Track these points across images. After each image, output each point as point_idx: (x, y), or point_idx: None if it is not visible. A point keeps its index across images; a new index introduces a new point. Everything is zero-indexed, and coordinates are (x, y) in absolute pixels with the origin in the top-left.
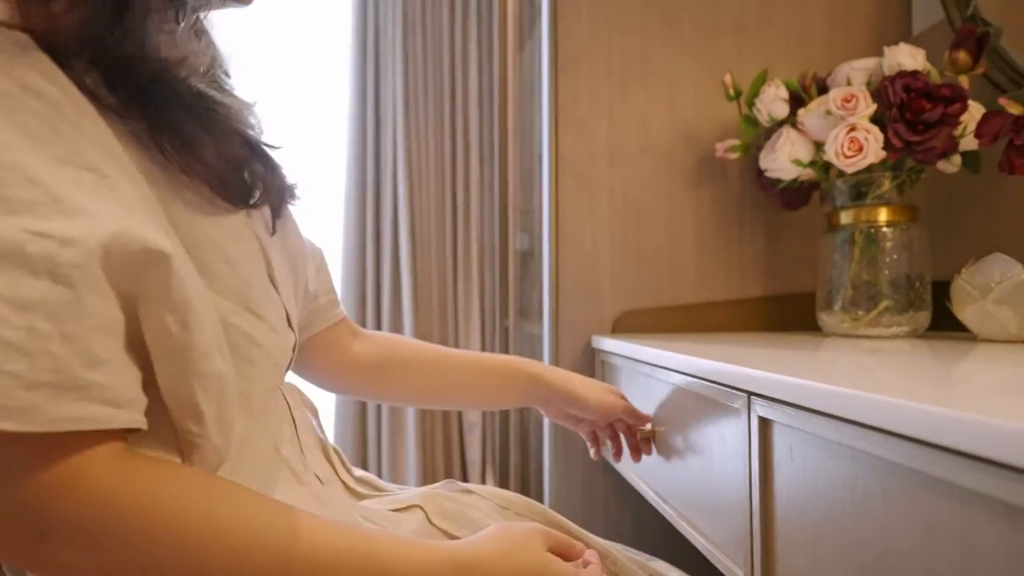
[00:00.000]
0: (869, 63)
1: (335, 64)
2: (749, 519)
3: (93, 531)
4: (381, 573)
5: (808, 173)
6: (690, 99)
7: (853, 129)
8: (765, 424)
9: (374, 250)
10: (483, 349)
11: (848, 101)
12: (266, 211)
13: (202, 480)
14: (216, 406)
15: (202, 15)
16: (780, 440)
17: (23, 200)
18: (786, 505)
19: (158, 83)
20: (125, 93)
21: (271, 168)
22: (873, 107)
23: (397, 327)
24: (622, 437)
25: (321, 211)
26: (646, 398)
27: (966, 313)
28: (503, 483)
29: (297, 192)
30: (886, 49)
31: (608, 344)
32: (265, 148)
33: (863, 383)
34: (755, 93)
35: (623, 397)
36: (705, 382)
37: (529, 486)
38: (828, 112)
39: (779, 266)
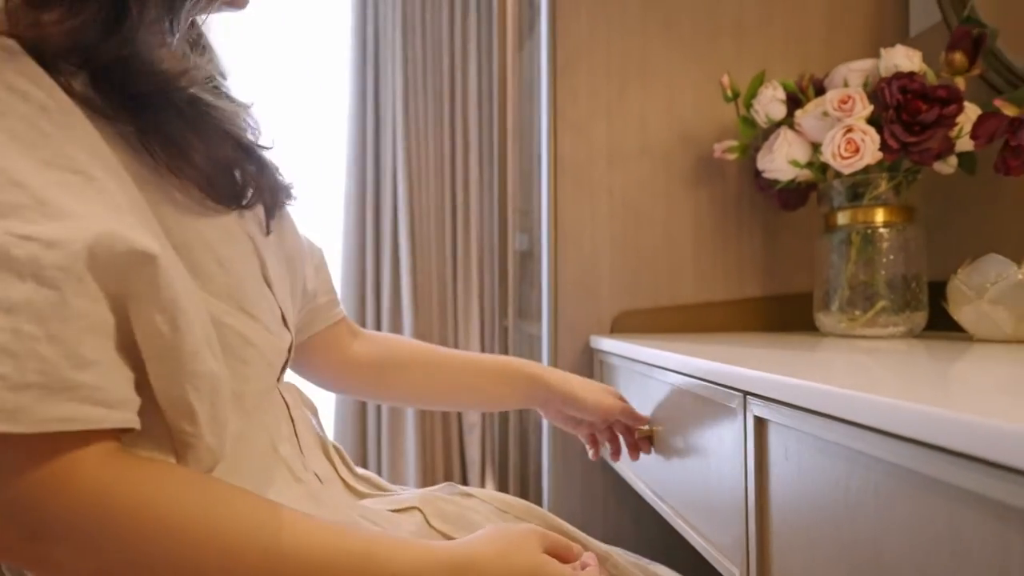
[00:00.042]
0: (866, 64)
1: (335, 64)
2: (745, 519)
3: (85, 530)
4: (375, 572)
5: (805, 174)
6: (688, 100)
7: (850, 130)
8: (761, 424)
9: (374, 250)
10: (482, 349)
11: (845, 102)
12: (260, 211)
13: (196, 480)
14: (209, 405)
15: (199, 20)
16: (775, 440)
17: (8, 203)
18: (781, 505)
19: (150, 89)
20: (114, 96)
21: (263, 169)
22: (870, 108)
23: (397, 327)
24: (620, 438)
25: (321, 211)
26: (644, 398)
27: (962, 313)
28: (502, 483)
29: (293, 192)
30: (883, 51)
31: (606, 344)
32: (258, 149)
33: (858, 383)
34: (752, 94)
35: (621, 398)
36: (701, 382)
37: (528, 486)
38: (825, 113)
39: (777, 266)
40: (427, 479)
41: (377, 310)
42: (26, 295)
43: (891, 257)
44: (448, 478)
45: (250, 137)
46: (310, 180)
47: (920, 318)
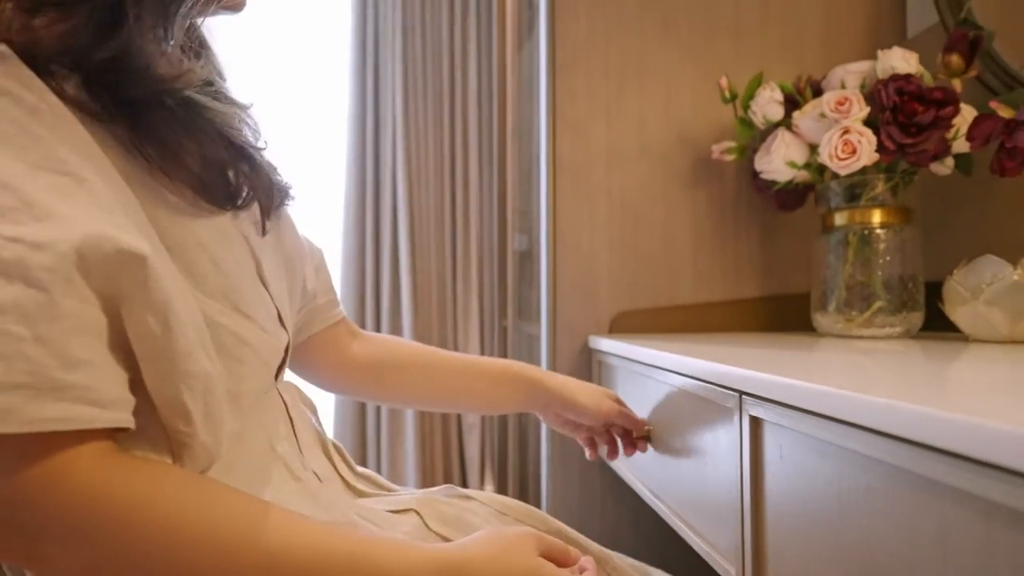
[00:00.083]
0: (863, 66)
1: (335, 65)
2: (741, 519)
3: (78, 529)
4: (365, 573)
5: (803, 175)
6: (687, 101)
7: (846, 132)
8: (756, 423)
9: (373, 250)
10: (482, 349)
11: (842, 104)
12: (256, 212)
13: (189, 480)
14: (203, 405)
15: (197, 22)
16: (771, 439)
17: None
18: (776, 504)
19: (143, 91)
20: (107, 99)
21: (258, 170)
22: (866, 110)
23: (396, 327)
24: (618, 439)
25: (321, 211)
26: (642, 398)
27: (958, 314)
28: (501, 483)
29: (292, 193)
30: (880, 52)
31: (605, 344)
32: (252, 150)
33: (851, 383)
34: (750, 96)
35: (619, 401)
36: (698, 382)
37: (527, 486)
38: (822, 115)
39: (775, 267)
40: (426, 479)
41: (377, 310)
42: (13, 296)
43: (888, 258)
44: (447, 478)
45: (246, 138)
46: (310, 180)
47: (917, 319)
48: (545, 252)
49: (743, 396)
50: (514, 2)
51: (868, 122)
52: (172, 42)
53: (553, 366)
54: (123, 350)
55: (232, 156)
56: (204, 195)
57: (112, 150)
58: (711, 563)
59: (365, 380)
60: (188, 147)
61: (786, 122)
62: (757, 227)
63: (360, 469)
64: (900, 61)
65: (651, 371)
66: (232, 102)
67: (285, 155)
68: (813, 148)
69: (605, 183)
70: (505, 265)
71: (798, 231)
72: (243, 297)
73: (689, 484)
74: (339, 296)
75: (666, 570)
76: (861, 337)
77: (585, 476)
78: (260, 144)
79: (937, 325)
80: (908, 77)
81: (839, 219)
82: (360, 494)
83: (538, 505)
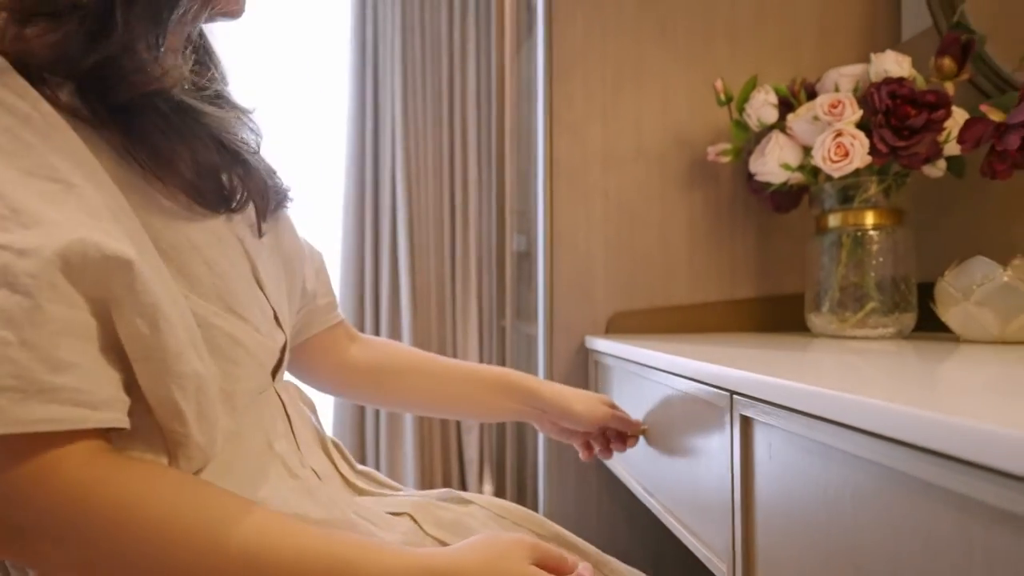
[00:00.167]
0: (856, 69)
1: (334, 66)
2: (732, 517)
3: (69, 526)
4: None
5: (797, 177)
6: (683, 103)
7: (839, 134)
8: (747, 423)
9: (373, 251)
10: (480, 349)
11: (835, 107)
12: (251, 214)
13: (176, 480)
14: (196, 405)
15: (192, 29)
16: (760, 438)
17: None
18: (766, 502)
19: (135, 97)
20: (100, 105)
21: (252, 173)
22: (859, 113)
23: (395, 327)
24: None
25: (320, 212)
26: (637, 397)
27: (949, 315)
28: (500, 483)
29: (290, 195)
30: (873, 56)
31: (601, 344)
32: (247, 154)
33: (840, 383)
34: (745, 98)
35: (613, 406)
36: (690, 381)
37: (525, 486)
38: (816, 118)
39: (770, 268)
40: (425, 479)
41: (376, 311)
42: None
43: (881, 259)
44: (446, 479)
45: (241, 142)
46: (309, 181)
47: (909, 319)
48: (542, 253)
49: (734, 396)
50: (513, 3)
51: (861, 125)
52: (163, 48)
53: (550, 366)
54: (116, 351)
55: (226, 160)
56: (197, 199)
57: (106, 156)
58: (703, 560)
59: (363, 384)
60: (181, 152)
61: (780, 124)
62: (752, 228)
63: (360, 467)
64: (893, 64)
65: (645, 371)
66: (234, 107)
67: (284, 156)
68: (807, 150)
69: (602, 184)
70: (504, 266)
71: (793, 232)
72: (237, 299)
73: (682, 483)
74: (338, 296)
75: (661, 569)
76: (854, 337)
77: (581, 476)
78: (259, 147)
79: (929, 326)
80: (901, 80)
81: (833, 221)
82: (360, 491)
83: (535, 505)
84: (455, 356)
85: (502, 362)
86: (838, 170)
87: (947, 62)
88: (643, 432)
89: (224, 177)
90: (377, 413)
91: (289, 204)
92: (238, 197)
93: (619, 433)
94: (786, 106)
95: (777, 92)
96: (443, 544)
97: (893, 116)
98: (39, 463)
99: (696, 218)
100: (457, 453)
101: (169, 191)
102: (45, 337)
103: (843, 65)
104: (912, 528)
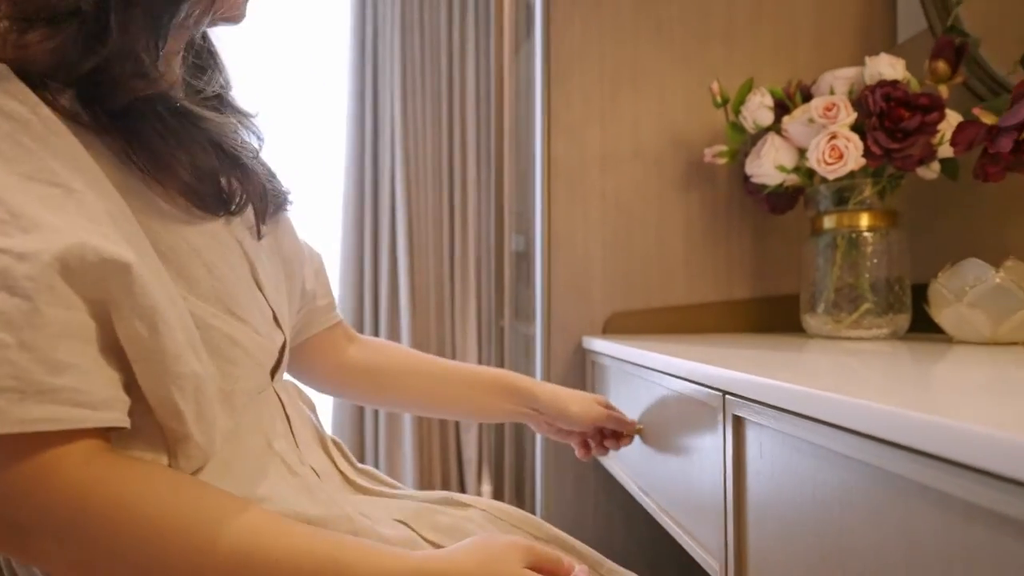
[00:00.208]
0: (851, 72)
1: (333, 65)
2: (724, 516)
3: (67, 524)
4: None
5: (793, 179)
6: (680, 105)
7: (834, 137)
8: (739, 422)
9: (372, 251)
10: (479, 349)
11: (829, 110)
12: (251, 217)
13: (173, 480)
14: (195, 405)
15: (195, 33)
16: (752, 438)
17: None
18: (758, 501)
19: (135, 102)
20: (99, 110)
21: (251, 176)
22: (853, 116)
23: (394, 327)
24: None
25: (319, 212)
26: (633, 397)
27: (942, 316)
28: (498, 483)
29: (290, 198)
30: (867, 59)
31: (597, 344)
32: (246, 157)
33: (828, 383)
34: (741, 101)
35: (609, 406)
36: (684, 382)
37: (524, 485)
38: (811, 120)
39: (766, 269)
40: (424, 479)
41: (375, 311)
42: None
43: (875, 260)
44: (445, 479)
45: (241, 146)
46: (308, 181)
47: (903, 320)
48: (539, 254)
49: (726, 396)
50: (512, 4)
51: (855, 127)
52: (163, 53)
53: (547, 366)
54: (115, 353)
55: (225, 164)
56: (196, 202)
57: (106, 160)
58: (696, 559)
59: (361, 384)
60: (179, 157)
61: (776, 127)
62: (749, 229)
63: (360, 465)
64: (887, 67)
65: (641, 371)
66: (236, 110)
67: (284, 156)
68: (802, 152)
69: (599, 186)
70: (502, 266)
71: (789, 234)
72: (236, 300)
73: (676, 482)
74: (337, 296)
75: (656, 568)
76: (849, 338)
77: (579, 477)
78: (260, 151)
79: (923, 327)
80: (895, 83)
81: (828, 222)
82: (360, 489)
83: (533, 505)
84: (454, 356)
85: (501, 362)
86: (832, 172)
87: (941, 65)
88: (638, 431)
89: (223, 181)
90: (376, 413)
91: (289, 207)
92: (237, 200)
93: (615, 432)
94: (782, 108)
95: (773, 94)
96: (438, 547)
97: (887, 119)
98: (39, 463)
99: (693, 219)
100: (456, 453)
101: (168, 195)
102: (43, 339)
103: (839, 67)
104: (896, 525)
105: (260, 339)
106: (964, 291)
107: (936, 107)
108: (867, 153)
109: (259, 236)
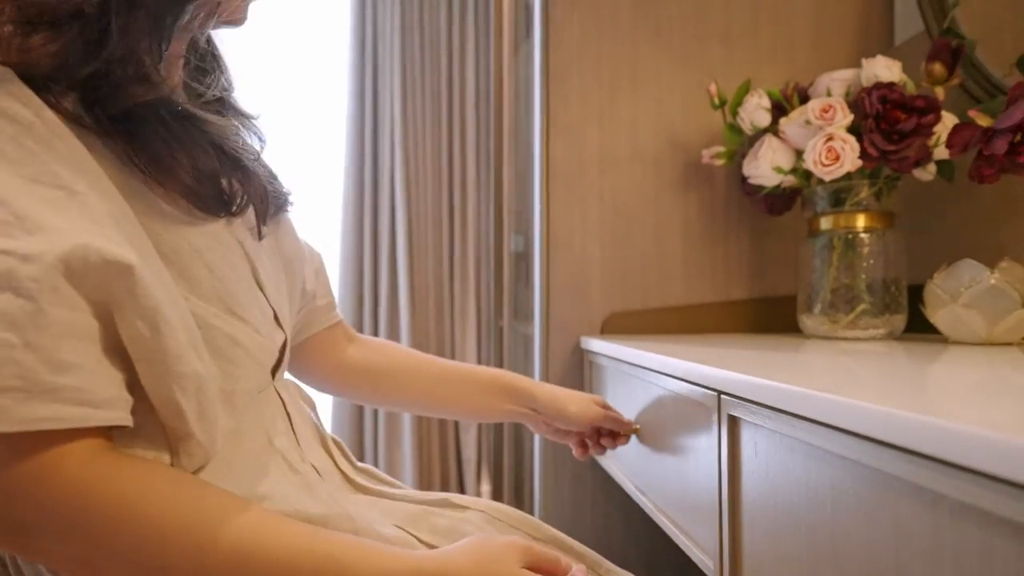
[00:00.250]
0: (848, 74)
1: (333, 66)
2: (719, 515)
3: (68, 522)
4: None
5: (790, 180)
6: (678, 106)
7: (830, 139)
8: (734, 422)
9: (371, 251)
10: (479, 349)
11: (826, 111)
12: (251, 218)
13: (174, 479)
14: (196, 404)
15: (200, 36)
16: (747, 437)
17: None
18: (752, 500)
19: (137, 105)
20: (102, 113)
21: (251, 178)
22: (850, 117)
23: (394, 328)
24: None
25: (319, 213)
26: (630, 397)
27: (938, 317)
28: (497, 483)
29: (291, 199)
30: (864, 61)
31: (595, 345)
32: (247, 159)
33: (821, 383)
34: (738, 102)
35: (606, 406)
36: (680, 381)
37: (523, 486)
38: (807, 122)
39: (764, 269)
40: (423, 479)
41: (375, 311)
42: (3, 306)
43: (871, 261)
44: (444, 478)
45: (242, 148)
46: (308, 181)
47: (899, 321)
48: (538, 255)
49: (721, 396)
50: (511, 4)
51: (852, 129)
52: (166, 55)
53: (546, 366)
54: (118, 352)
55: (226, 166)
56: (197, 204)
57: (108, 163)
58: (692, 557)
59: (360, 384)
60: (180, 159)
61: (773, 128)
62: (746, 230)
63: (360, 464)
64: (884, 69)
65: (637, 371)
66: (239, 113)
67: (284, 156)
68: (799, 154)
69: (597, 186)
70: (501, 266)
71: (786, 234)
72: (237, 300)
73: (672, 481)
74: (337, 296)
75: (654, 567)
76: (846, 339)
77: (577, 476)
78: (261, 153)
79: (919, 327)
80: (891, 85)
81: (824, 223)
82: (360, 488)
83: (531, 504)
84: (453, 356)
85: (500, 362)
86: (829, 174)
87: (937, 67)
88: (635, 431)
89: (224, 182)
90: (376, 413)
91: (289, 208)
92: (238, 201)
93: (612, 431)
94: (779, 110)
95: (770, 96)
96: (433, 548)
97: (883, 120)
98: (42, 461)
99: (691, 220)
100: (455, 453)
101: (170, 196)
102: (48, 339)
103: (837, 68)
104: (886, 522)
105: (261, 339)
106: (959, 292)
107: (932, 109)
108: (863, 155)
109: (260, 237)
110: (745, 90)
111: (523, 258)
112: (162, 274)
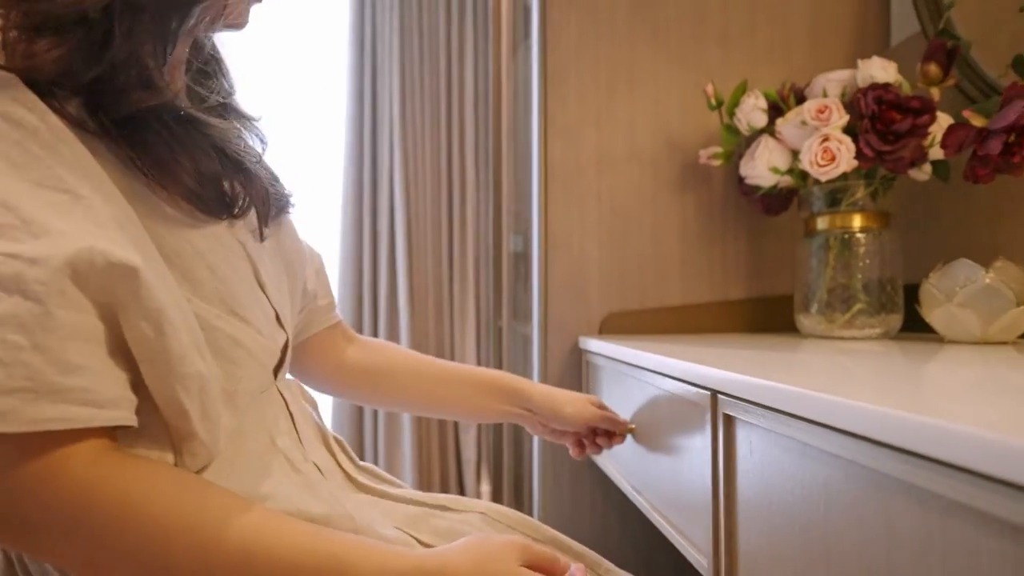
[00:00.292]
0: (844, 75)
1: (333, 66)
2: (715, 512)
3: (73, 521)
4: (341, 575)
5: (786, 180)
6: (675, 107)
7: (826, 139)
8: (729, 421)
9: (371, 251)
10: (478, 349)
11: (822, 112)
12: (253, 219)
13: (177, 478)
14: (199, 404)
15: (204, 40)
16: (742, 436)
17: None
18: (747, 499)
19: (140, 110)
20: (105, 118)
21: (253, 180)
22: (846, 118)
23: (394, 328)
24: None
25: (318, 213)
26: (626, 396)
27: (933, 316)
28: (496, 482)
29: (292, 201)
30: (860, 62)
31: (593, 345)
32: (248, 162)
33: (814, 382)
34: (735, 103)
35: (602, 406)
36: (675, 381)
37: (522, 486)
38: (803, 122)
39: (761, 269)
40: (423, 479)
41: (374, 311)
42: (11, 308)
43: (868, 261)
44: (444, 478)
45: (244, 151)
46: (308, 182)
47: (896, 320)
48: (536, 255)
49: (717, 395)
50: (509, 5)
51: (848, 129)
52: (170, 58)
53: (544, 366)
54: (123, 353)
55: (228, 169)
56: (199, 207)
57: (112, 167)
58: (685, 554)
59: (358, 385)
60: (183, 163)
61: (770, 129)
62: (744, 230)
63: (362, 463)
64: (879, 70)
65: (633, 371)
66: (241, 115)
67: (283, 157)
68: (795, 154)
69: (595, 187)
70: (500, 266)
71: (783, 234)
72: (239, 301)
73: (668, 481)
74: (337, 296)
75: (651, 567)
76: (842, 338)
77: (575, 476)
78: (263, 155)
79: (915, 326)
80: (886, 86)
81: (821, 223)
82: (361, 487)
83: (530, 504)
84: (452, 356)
85: (499, 362)
86: (825, 174)
87: (933, 68)
88: (630, 431)
89: (226, 185)
90: (375, 413)
91: (291, 209)
92: (240, 204)
93: (607, 431)
94: (776, 110)
95: (767, 97)
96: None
97: (879, 121)
98: (47, 461)
99: (688, 220)
100: (455, 453)
101: (172, 199)
102: (55, 341)
103: (834, 69)
104: (878, 521)
105: (262, 339)
106: (954, 291)
107: (927, 110)
108: (859, 155)
109: (262, 238)
110: (742, 91)
111: (522, 258)
112: (165, 276)
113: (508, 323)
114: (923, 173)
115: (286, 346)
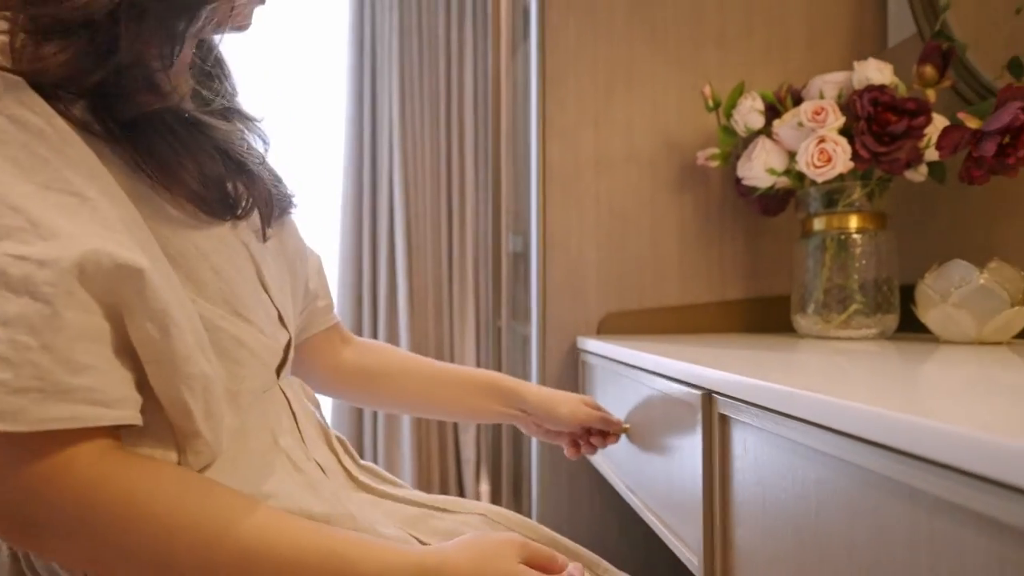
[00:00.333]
0: (840, 77)
1: (332, 67)
2: (710, 511)
3: (76, 521)
4: (344, 572)
5: (783, 181)
6: (673, 108)
7: (822, 140)
8: (724, 420)
9: (370, 252)
10: (477, 349)
11: (818, 114)
12: (256, 220)
13: (181, 477)
14: (203, 403)
15: (213, 42)
16: (736, 435)
17: (6, 227)
18: (742, 498)
19: (145, 113)
20: (110, 120)
21: (256, 182)
22: (842, 120)
23: (393, 328)
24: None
25: (318, 214)
26: (621, 396)
27: (929, 316)
28: (496, 482)
29: (294, 201)
30: (856, 64)
31: (591, 345)
32: (251, 163)
33: (808, 382)
34: (732, 104)
35: (597, 407)
36: (670, 381)
37: (521, 486)
38: (800, 124)
39: (758, 270)
40: (422, 479)
41: (374, 311)
42: (21, 309)
43: (864, 262)
44: (443, 478)
45: (247, 152)
46: (307, 183)
47: (892, 320)
48: (535, 256)
49: (712, 395)
50: (508, 7)
51: (844, 131)
52: (175, 64)
53: (543, 366)
54: (129, 353)
55: (231, 170)
56: (203, 208)
57: (117, 169)
58: (677, 553)
59: (355, 385)
60: (187, 165)
61: (767, 130)
62: (741, 231)
63: (363, 462)
64: (875, 72)
65: (628, 371)
66: (244, 117)
67: (283, 157)
68: (792, 155)
69: (593, 188)
70: (500, 266)
71: (781, 235)
72: (243, 302)
73: (662, 480)
74: (336, 297)
75: (649, 566)
76: (839, 338)
77: (573, 477)
78: (265, 156)
79: (912, 327)
80: (882, 88)
81: (817, 224)
82: (363, 487)
83: (529, 503)
84: (452, 356)
85: (498, 362)
86: (821, 175)
87: (928, 70)
88: (625, 431)
89: (229, 186)
90: (375, 413)
91: (293, 210)
92: (243, 205)
93: (602, 431)
94: (772, 112)
95: (764, 98)
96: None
97: (874, 123)
98: (54, 461)
99: (686, 221)
100: (454, 453)
101: (176, 201)
102: (63, 341)
103: (831, 70)
104: (869, 520)
105: (265, 339)
106: (950, 292)
107: (922, 111)
108: (855, 156)
109: (264, 239)
110: (739, 92)
111: (521, 258)
112: (170, 277)
113: (507, 323)
114: (919, 174)
115: (288, 345)
